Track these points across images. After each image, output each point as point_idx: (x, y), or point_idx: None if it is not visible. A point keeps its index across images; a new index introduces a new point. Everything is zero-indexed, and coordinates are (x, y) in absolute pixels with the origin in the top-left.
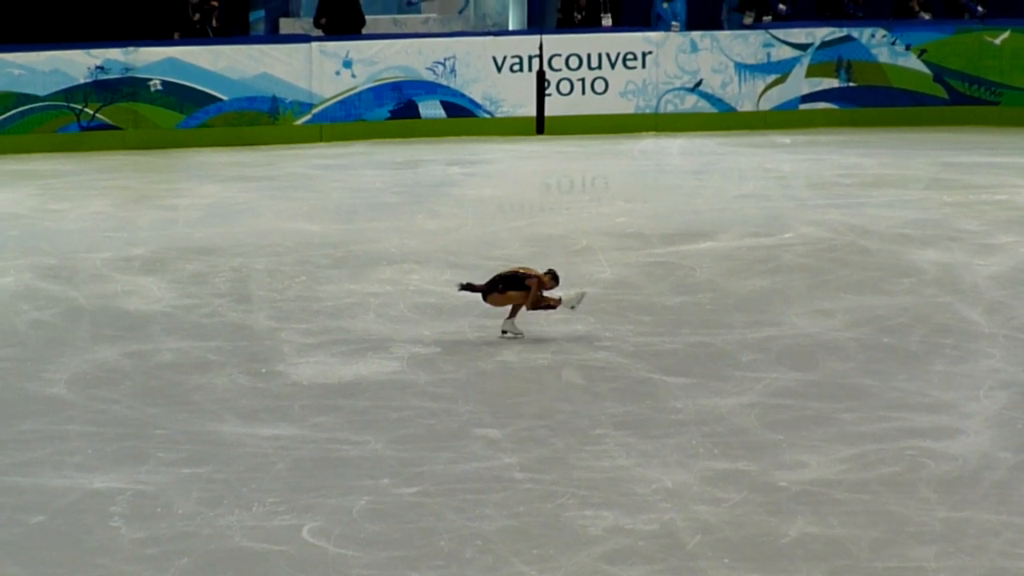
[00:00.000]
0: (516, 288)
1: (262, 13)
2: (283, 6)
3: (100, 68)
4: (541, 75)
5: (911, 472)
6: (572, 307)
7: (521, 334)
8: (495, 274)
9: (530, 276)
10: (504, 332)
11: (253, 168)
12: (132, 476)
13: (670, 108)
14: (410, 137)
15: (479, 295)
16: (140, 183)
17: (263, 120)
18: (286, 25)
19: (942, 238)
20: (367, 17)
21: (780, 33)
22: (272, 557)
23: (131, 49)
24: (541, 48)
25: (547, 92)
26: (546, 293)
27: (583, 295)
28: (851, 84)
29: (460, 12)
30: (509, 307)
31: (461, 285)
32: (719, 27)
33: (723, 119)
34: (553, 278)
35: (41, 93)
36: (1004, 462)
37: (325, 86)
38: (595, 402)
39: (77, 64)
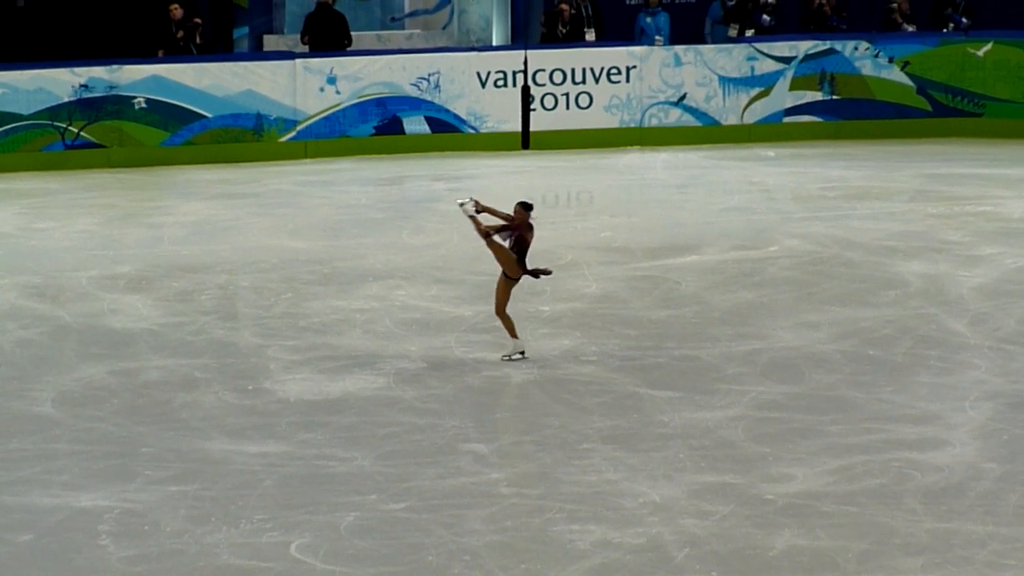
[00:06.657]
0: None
1: (246, 30)
2: (267, 23)
3: (84, 86)
4: (526, 90)
5: (897, 484)
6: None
7: (523, 353)
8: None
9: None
10: (506, 357)
11: (238, 185)
12: (120, 494)
13: (654, 122)
14: (395, 153)
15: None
16: (125, 201)
17: (248, 137)
18: (270, 42)
19: (927, 250)
20: (351, 33)
21: (764, 46)
22: (260, 574)
23: (115, 67)
24: (526, 63)
25: (532, 107)
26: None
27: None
28: (835, 97)
29: (444, 28)
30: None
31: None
32: (703, 41)
33: (708, 133)
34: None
35: (25, 112)
36: (990, 473)
37: (309, 102)
38: (582, 416)
39: (61, 82)
